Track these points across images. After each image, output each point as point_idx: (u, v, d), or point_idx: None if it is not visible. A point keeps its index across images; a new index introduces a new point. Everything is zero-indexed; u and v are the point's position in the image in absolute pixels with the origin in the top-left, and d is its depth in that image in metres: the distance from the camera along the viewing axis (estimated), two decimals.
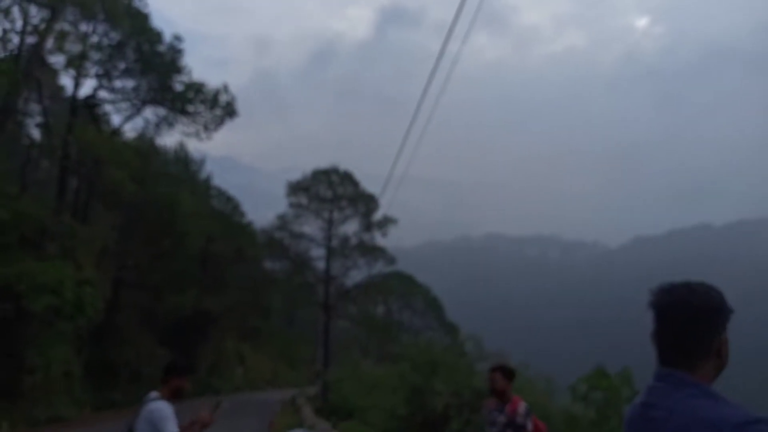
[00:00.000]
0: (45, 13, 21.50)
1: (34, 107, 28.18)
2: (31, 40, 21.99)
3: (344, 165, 40.87)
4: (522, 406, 4.58)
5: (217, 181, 46.57)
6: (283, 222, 39.81)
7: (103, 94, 27.20)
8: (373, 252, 38.91)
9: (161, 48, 25.68)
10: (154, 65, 25.54)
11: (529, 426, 4.50)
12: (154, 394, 4.17)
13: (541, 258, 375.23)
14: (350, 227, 39.75)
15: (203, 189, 42.87)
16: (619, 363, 15.05)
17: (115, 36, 25.20)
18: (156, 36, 25.67)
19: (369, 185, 40.56)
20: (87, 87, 32.39)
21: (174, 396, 4.19)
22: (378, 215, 38.44)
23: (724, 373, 1.70)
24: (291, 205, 39.49)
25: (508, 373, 4.85)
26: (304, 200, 39.30)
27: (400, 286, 56.93)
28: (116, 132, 27.63)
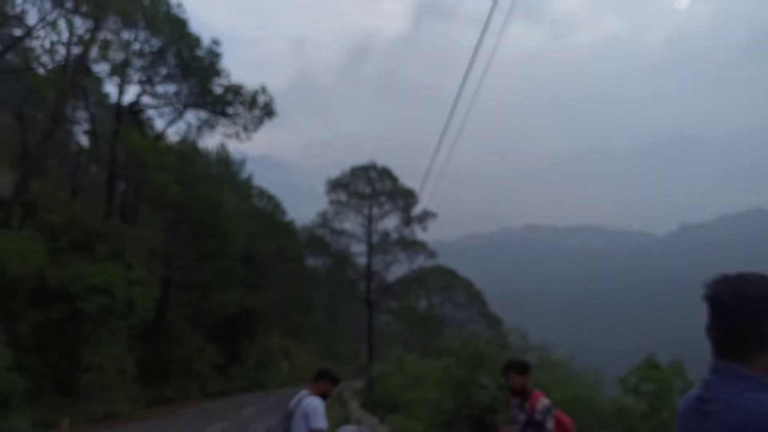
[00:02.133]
0: (89, 24, 22.15)
1: (82, 115, 29.19)
2: (76, 50, 22.68)
3: (382, 160, 41.04)
4: (541, 403, 4.38)
5: (258, 180, 47.24)
6: (323, 219, 40.16)
7: (146, 99, 27.94)
8: (413, 246, 38.90)
9: (200, 52, 26.21)
10: (194, 70, 26.09)
11: (549, 423, 4.30)
12: (305, 392, 4.81)
13: (585, 248, 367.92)
14: (390, 222, 39.84)
15: (245, 189, 43.62)
16: (669, 354, 14.67)
17: (155, 43, 25.84)
18: (195, 41, 26.20)
19: (408, 180, 40.60)
20: (130, 93, 33.47)
21: (321, 396, 4.79)
22: (417, 209, 38.41)
23: None
24: (331, 202, 39.82)
25: (520, 368, 4.66)
26: (343, 197, 39.56)
27: (442, 280, 56.72)
28: (160, 136, 28.33)
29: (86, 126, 28.08)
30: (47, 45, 21.86)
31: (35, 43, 21.99)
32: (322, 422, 4.51)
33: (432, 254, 40.19)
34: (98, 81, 27.88)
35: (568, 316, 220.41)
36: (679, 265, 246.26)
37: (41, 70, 22.41)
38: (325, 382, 4.90)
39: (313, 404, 4.54)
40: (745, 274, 1.66)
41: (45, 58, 22.30)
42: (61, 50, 22.86)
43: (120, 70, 24.65)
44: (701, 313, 1.68)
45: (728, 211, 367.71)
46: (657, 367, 13.24)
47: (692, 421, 1.66)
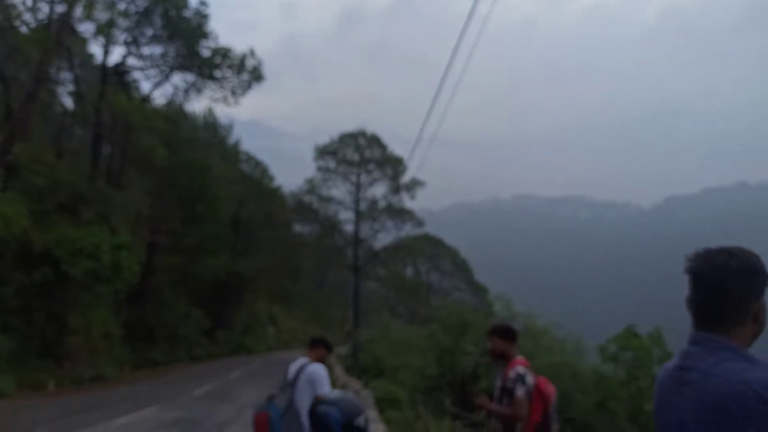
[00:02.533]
0: None
1: (66, 76, 28.57)
2: (60, 8, 22.08)
3: (372, 127, 40.83)
4: (514, 370, 4.29)
5: (246, 145, 46.75)
6: (311, 186, 40.01)
7: (132, 61, 27.36)
8: (401, 214, 38.95)
9: (187, 13, 25.60)
10: (181, 31, 25.51)
11: (519, 391, 4.15)
12: (304, 359, 4.90)
13: (573, 218, 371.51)
14: (378, 190, 39.79)
15: (232, 153, 43.23)
16: (652, 323, 14.94)
17: (141, 2, 25.20)
18: (182, 1, 25.57)
19: (397, 148, 40.42)
20: (116, 54, 32.75)
21: (318, 362, 4.90)
22: (406, 178, 38.35)
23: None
24: (319, 168, 39.63)
25: (504, 333, 4.54)
26: (332, 164, 39.35)
27: (429, 248, 57.12)
28: (146, 99, 27.86)
29: (71, 87, 27.49)
30: (30, 2, 21.28)
31: (17, 0, 21.39)
32: (327, 388, 4.65)
33: (420, 223, 40.32)
34: (83, 41, 27.19)
35: (554, 286, 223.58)
36: (663, 237, 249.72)
37: (24, 29, 21.81)
38: (321, 349, 5.04)
39: (318, 372, 4.66)
40: (726, 248, 1.67)
41: (28, 16, 21.72)
42: (45, 8, 22.29)
43: (105, 30, 24.05)
44: (684, 285, 1.70)
45: (714, 184, 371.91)
46: (636, 337, 13.51)
47: (670, 390, 1.69)
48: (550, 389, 4.24)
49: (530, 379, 4.17)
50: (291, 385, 4.61)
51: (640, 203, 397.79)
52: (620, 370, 13.80)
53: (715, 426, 1.52)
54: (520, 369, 4.21)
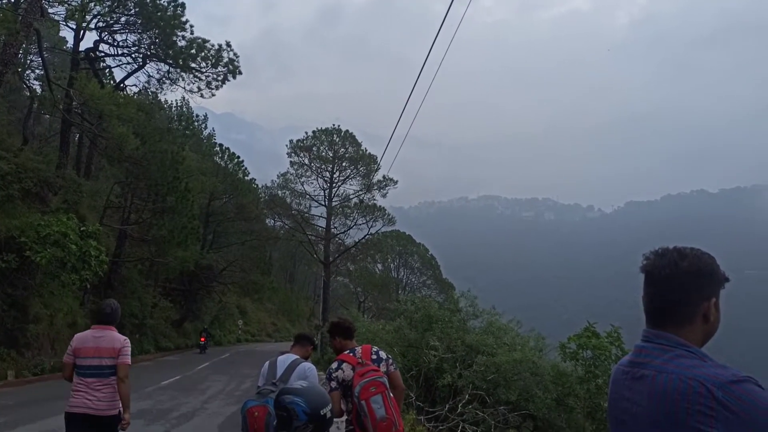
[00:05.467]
0: None
1: (35, 60, 27.91)
2: None
3: (347, 125, 40.95)
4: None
5: (220, 138, 46.44)
6: (284, 180, 40.04)
7: (104, 47, 26.90)
8: (372, 212, 39.27)
9: (163, 2, 25.26)
10: (156, 19, 25.17)
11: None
12: (293, 355, 4.82)
13: (536, 220, 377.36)
14: (351, 187, 40.05)
15: (206, 146, 42.85)
16: (611, 321, 15.49)
17: None
18: None
19: (371, 146, 40.72)
20: (88, 40, 32.08)
21: (304, 359, 4.92)
22: (378, 176, 38.66)
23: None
24: (292, 163, 39.66)
25: (335, 331, 4.88)
26: (305, 159, 39.43)
27: (398, 245, 57.57)
28: (119, 87, 27.45)
29: (39, 71, 26.90)
30: None
31: None
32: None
33: (391, 220, 40.70)
34: (54, 25, 26.64)
35: (518, 284, 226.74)
36: (623, 240, 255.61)
37: None
38: (307, 347, 5.15)
39: (312, 370, 4.67)
40: (679, 248, 1.70)
41: None
42: None
43: (77, 15, 23.54)
44: (640, 284, 1.75)
45: (673, 191, 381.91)
46: (596, 335, 14.02)
47: (623, 385, 1.73)
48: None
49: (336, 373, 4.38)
50: (283, 381, 4.45)
51: (601, 206, 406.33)
52: (579, 368, 14.28)
53: (666, 421, 1.54)
54: (327, 369, 4.54)
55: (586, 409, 13.88)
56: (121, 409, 5.13)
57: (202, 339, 35.42)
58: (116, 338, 5.21)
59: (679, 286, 1.65)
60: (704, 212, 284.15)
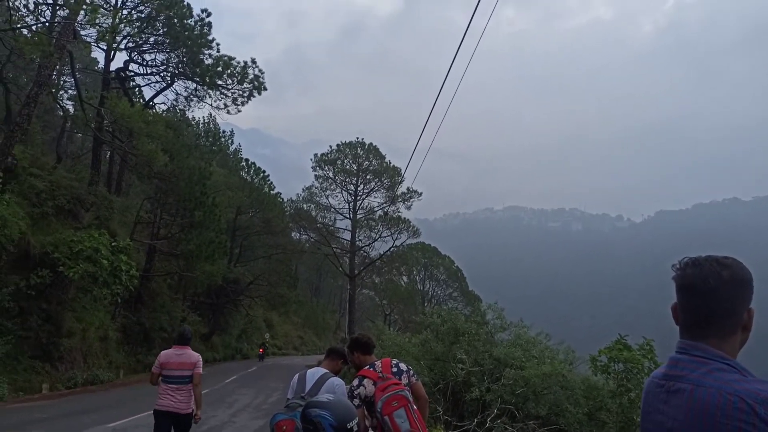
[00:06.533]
0: None
1: (68, 80, 28.72)
2: (62, 12, 22.23)
3: (371, 138, 41.15)
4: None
5: (246, 153, 47.20)
6: (309, 194, 40.35)
7: (134, 67, 27.60)
8: (397, 224, 39.28)
9: (190, 21, 25.86)
10: (184, 39, 25.77)
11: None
12: (322, 369, 4.77)
13: (564, 230, 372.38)
14: (375, 199, 40.16)
15: (233, 161, 43.51)
16: (644, 335, 15.14)
17: (145, 9, 25.48)
18: (185, 9, 25.85)
19: (395, 158, 40.83)
20: (118, 60, 32.93)
21: (335, 373, 4.96)
22: (403, 188, 38.71)
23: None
24: (317, 177, 39.95)
25: (354, 346, 4.85)
26: (330, 173, 39.70)
27: (424, 257, 57.34)
28: (148, 105, 28.09)
29: (72, 91, 27.70)
30: (32, 5, 21.46)
31: (19, 3, 21.56)
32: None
33: (416, 232, 40.66)
34: (86, 46, 27.42)
35: (545, 296, 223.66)
36: (654, 250, 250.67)
37: (25, 32, 21.98)
38: (339, 361, 5.07)
39: (342, 386, 4.58)
40: (715, 257, 1.65)
41: (30, 19, 21.89)
42: (47, 12, 22.47)
43: (107, 36, 24.21)
44: (673, 296, 1.68)
45: (705, 199, 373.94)
46: (627, 348, 13.72)
47: (657, 398, 1.66)
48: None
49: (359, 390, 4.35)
50: (311, 394, 4.37)
51: (631, 216, 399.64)
52: (611, 381, 13.97)
53: None
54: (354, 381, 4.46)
55: (619, 423, 13.55)
56: (194, 407, 6.94)
57: (261, 350, 42.86)
58: (192, 355, 7.15)
59: (725, 296, 1.60)
60: (738, 221, 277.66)
